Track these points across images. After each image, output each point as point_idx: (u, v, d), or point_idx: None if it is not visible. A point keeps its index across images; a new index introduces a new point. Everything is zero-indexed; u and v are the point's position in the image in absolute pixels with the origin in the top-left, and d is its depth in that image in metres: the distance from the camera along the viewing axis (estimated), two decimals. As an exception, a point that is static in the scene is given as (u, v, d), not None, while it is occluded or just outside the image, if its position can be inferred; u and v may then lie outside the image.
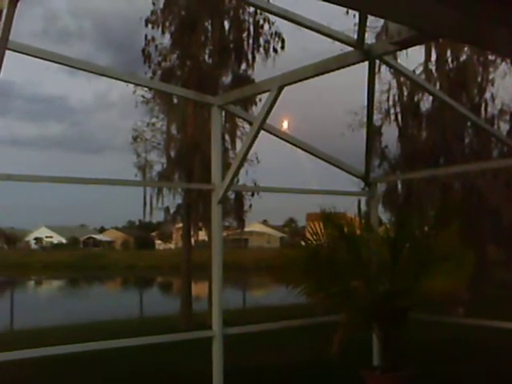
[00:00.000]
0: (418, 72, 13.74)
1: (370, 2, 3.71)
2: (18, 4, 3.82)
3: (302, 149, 6.99)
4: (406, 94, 14.73)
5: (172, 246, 77.27)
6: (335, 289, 6.27)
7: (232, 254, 39.98)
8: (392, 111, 14.80)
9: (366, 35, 5.37)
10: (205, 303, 14.72)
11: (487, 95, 14.51)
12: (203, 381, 6.16)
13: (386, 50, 5.14)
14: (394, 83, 14.48)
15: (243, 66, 14.07)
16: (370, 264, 6.54)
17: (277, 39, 14.16)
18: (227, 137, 14.16)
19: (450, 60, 14.33)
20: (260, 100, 11.72)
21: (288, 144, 6.84)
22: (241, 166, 6.35)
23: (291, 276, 6.46)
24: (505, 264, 18.02)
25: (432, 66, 14.21)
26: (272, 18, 13.53)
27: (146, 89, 13.67)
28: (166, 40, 14.09)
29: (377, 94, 10.85)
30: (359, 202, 13.19)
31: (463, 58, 14.34)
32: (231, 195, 14.70)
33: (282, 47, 14.24)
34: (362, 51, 5.14)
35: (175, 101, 14.20)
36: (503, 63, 13.88)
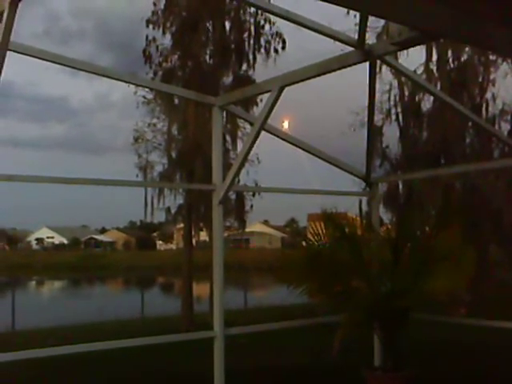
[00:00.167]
0: (418, 72, 13.72)
1: (370, 2, 3.72)
2: (19, 5, 3.83)
3: (303, 149, 6.99)
4: (406, 94, 14.71)
5: (173, 246, 77.31)
6: (336, 289, 6.28)
7: (233, 254, 39.98)
8: (393, 111, 14.79)
9: (367, 35, 5.39)
10: (206, 304, 14.71)
11: (488, 95, 14.49)
12: (205, 381, 6.16)
13: (387, 51, 5.14)
14: (394, 83, 14.47)
15: (244, 67, 14.07)
16: (371, 264, 6.54)
17: (278, 39, 14.16)
18: (228, 137, 14.16)
19: (450, 60, 14.31)
20: (261, 100, 11.72)
21: (289, 144, 6.85)
22: (242, 166, 6.35)
23: (292, 276, 6.46)
24: (506, 264, 18.00)
25: (433, 66, 14.19)
26: (273, 18, 13.53)
27: (147, 89, 13.66)
28: (167, 40, 14.10)
29: (378, 94, 10.80)
30: (360, 202, 13.25)
31: (464, 58, 14.33)
32: (232, 195, 14.70)
33: (283, 47, 14.24)
34: (362, 51, 5.15)
35: (176, 101, 14.19)
36: (504, 63, 13.87)
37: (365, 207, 12.93)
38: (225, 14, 14.04)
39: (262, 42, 14.07)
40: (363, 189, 8.71)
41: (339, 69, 5.31)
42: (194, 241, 16.21)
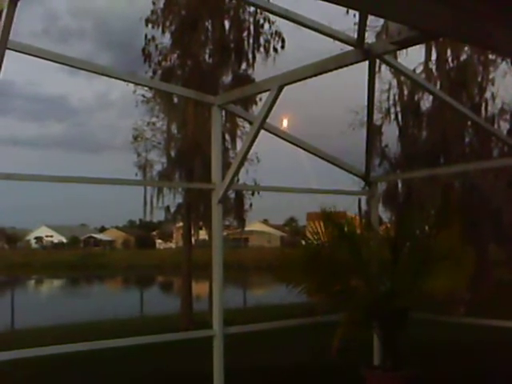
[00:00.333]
0: (418, 71, 13.73)
1: (370, 1, 3.71)
2: (19, 4, 3.83)
3: (303, 148, 6.99)
4: (406, 93, 14.72)
5: (172, 245, 77.31)
6: (336, 288, 6.28)
7: (232, 253, 40.00)
8: (392, 110, 14.80)
9: (366, 35, 5.37)
10: (205, 302, 14.72)
11: (487, 94, 14.51)
12: (204, 380, 6.16)
13: (386, 50, 5.13)
14: (394, 82, 14.48)
15: (243, 66, 14.08)
16: (370, 263, 6.54)
17: (277, 39, 14.16)
18: (227, 136, 14.17)
19: (450, 59, 14.32)
20: (260, 99, 11.73)
21: (288, 143, 6.84)
22: (241, 165, 6.35)
23: (292, 275, 6.46)
24: (505, 263, 18.02)
25: (432, 66, 14.20)
26: (272, 17, 13.53)
27: (146, 88, 13.66)
28: (167, 39, 14.11)
29: (377, 94, 10.82)
30: (359, 201, 13.20)
31: (463, 57, 14.33)
32: (231, 194, 14.70)
33: (283, 47, 14.25)
34: (362, 50, 5.14)
35: (175, 100, 14.20)
36: (503, 62, 13.88)
37: (364, 206, 12.88)
38: (224, 13, 14.04)
39: (262, 41, 14.08)
40: (362, 188, 8.71)
41: (338, 68, 5.30)
42: (193, 240, 16.22)
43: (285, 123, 7.05)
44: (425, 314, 6.85)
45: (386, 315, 6.17)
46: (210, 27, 14.00)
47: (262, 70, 13.72)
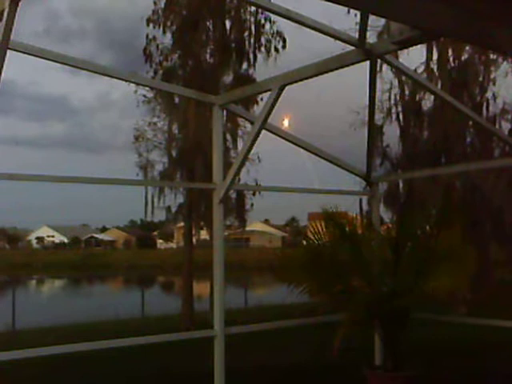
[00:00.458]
0: (419, 71, 13.71)
1: (371, 1, 3.71)
2: (20, 4, 3.83)
3: (304, 148, 6.99)
4: (407, 93, 14.71)
5: (174, 245, 77.40)
6: (337, 288, 6.27)
7: (234, 253, 40.02)
8: (393, 110, 14.79)
9: (368, 34, 5.36)
10: (206, 302, 14.71)
11: (489, 94, 14.49)
12: (205, 380, 6.16)
13: (388, 49, 5.14)
14: (395, 82, 14.47)
15: (244, 66, 14.06)
16: (371, 263, 6.54)
17: (278, 38, 14.15)
18: (228, 136, 14.16)
19: (451, 59, 14.31)
20: (261, 99, 11.71)
21: (290, 143, 6.84)
22: (242, 165, 6.35)
23: (293, 275, 6.46)
24: (507, 263, 18.00)
25: (433, 65, 14.19)
26: (273, 17, 13.52)
27: (147, 88, 13.65)
28: (168, 39, 14.09)
29: (378, 93, 10.82)
30: (361, 201, 13.25)
31: (465, 57, 14.32)
32: (233, 194, 14.70)
33: (284, 46, 14.23)
34: (363, 50, 5.14)
35: (176, 100, 14.19)
36: (505, 62, 13.86)
37: (365, 206, 12.94)
38: (225, 13, 14.03)
39: (263, 40, 14.06)
40: (364, 188, 8.72)
41: (340, 68, 5.31)
42: (194, 240, 16.21)
43: (286, 123, 7.06)
44: (426, 313, 6.85)
45: (387, 315, 6.17)
46: (211, 27, 13.98)
47: (263, 69, 13.72)
